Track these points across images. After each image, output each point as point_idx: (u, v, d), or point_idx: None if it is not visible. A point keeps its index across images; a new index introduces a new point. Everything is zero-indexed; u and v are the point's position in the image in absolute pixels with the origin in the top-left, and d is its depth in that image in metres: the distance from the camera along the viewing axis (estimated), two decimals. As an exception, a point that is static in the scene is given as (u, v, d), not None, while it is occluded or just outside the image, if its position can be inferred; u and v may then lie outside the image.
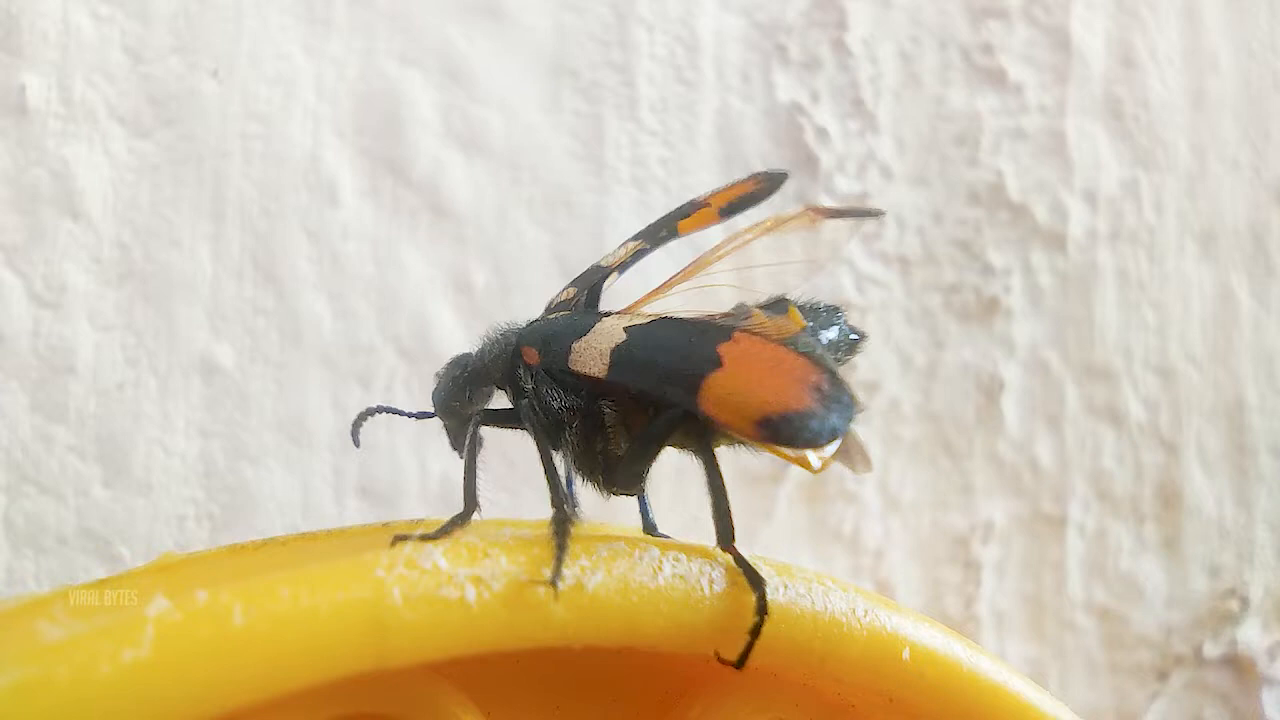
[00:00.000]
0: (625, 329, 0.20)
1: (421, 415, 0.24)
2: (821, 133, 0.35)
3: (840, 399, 0.18)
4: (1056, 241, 0.37)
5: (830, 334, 0.21)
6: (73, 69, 0.30)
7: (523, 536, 0.18)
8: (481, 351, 0.23)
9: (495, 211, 0.33)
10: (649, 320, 0.21)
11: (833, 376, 0.18)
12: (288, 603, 0.15)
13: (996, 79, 0.37)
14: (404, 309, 0.32)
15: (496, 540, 0.17)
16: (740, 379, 0.18)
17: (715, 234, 0.34)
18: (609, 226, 0.34)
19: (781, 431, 0.17)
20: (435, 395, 0.23)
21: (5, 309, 0.29)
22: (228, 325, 0.31)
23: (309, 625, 0.15)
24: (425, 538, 0.18)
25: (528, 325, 0.22)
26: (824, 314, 0.21)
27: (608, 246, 0.34)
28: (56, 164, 0.30)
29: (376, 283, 0.32)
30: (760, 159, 0.35)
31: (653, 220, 0.25)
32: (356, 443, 0.23)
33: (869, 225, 0.36)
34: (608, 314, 0.21)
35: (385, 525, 0.21)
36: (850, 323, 0.22)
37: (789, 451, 0.18)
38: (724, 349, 0.19)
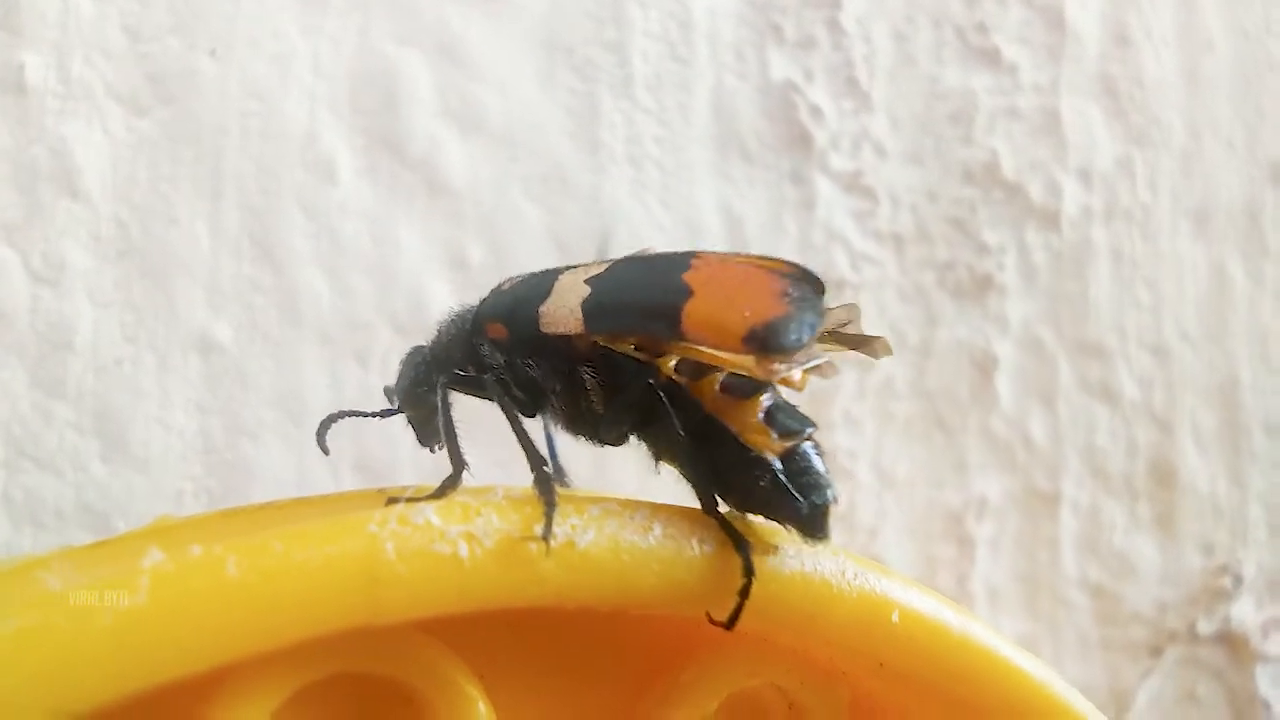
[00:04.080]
0: (586, 281, 0.20)
1: (385, 413, 0.24)
2: (816, 111, 0.35)
3: (807, 297, 0.19)
4: (1051, 220, 0.37)
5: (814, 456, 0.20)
6: (71, 48, 0.30)
7: (515, 497, 0.18)
8: (437, 338, 0.23)
9: (491, 189, 0.33)
10: (604, 267, 0.21)
11: (793, 279, 0.19)
12: (281, 556, 0.15)
13: (991, 58, 0.37)
14: (400, 286, 0.32)
15: (489, 499, 0.18)
16: (715, 301, 0.19)
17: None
18: (604, 203, 0.34)
19: (769, 340, 0.18)
20: (398, 388, 0.23)
21: (5, 286, 0.30)
22: (226, 302, 0.31)
23: (302, 578, 0.15)
24: (418, 499, 0.18)
25: (482, 302, 0.23)
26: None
27: (603, 223, 0.34)
28: (55, 142, 0.30)
29: (373, 260, 0.32)
30: (755, 137, 0.35)
31: (666, 247, 0.25)
32: (325, 450, 0.23)
33: (864, 203, 0.36)
34: (559, 271, 0.22)
35: (380, 491, 0.21)
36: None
37: (776, 366, 0.18)
38: (689, 277, 0.19)
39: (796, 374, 0.19)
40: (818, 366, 0.19)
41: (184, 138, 0.31)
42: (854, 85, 0.36)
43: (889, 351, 0.21)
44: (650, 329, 0.20)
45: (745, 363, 0.19)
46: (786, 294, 0.19)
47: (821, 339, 0.22)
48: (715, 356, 0.19)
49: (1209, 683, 0.37)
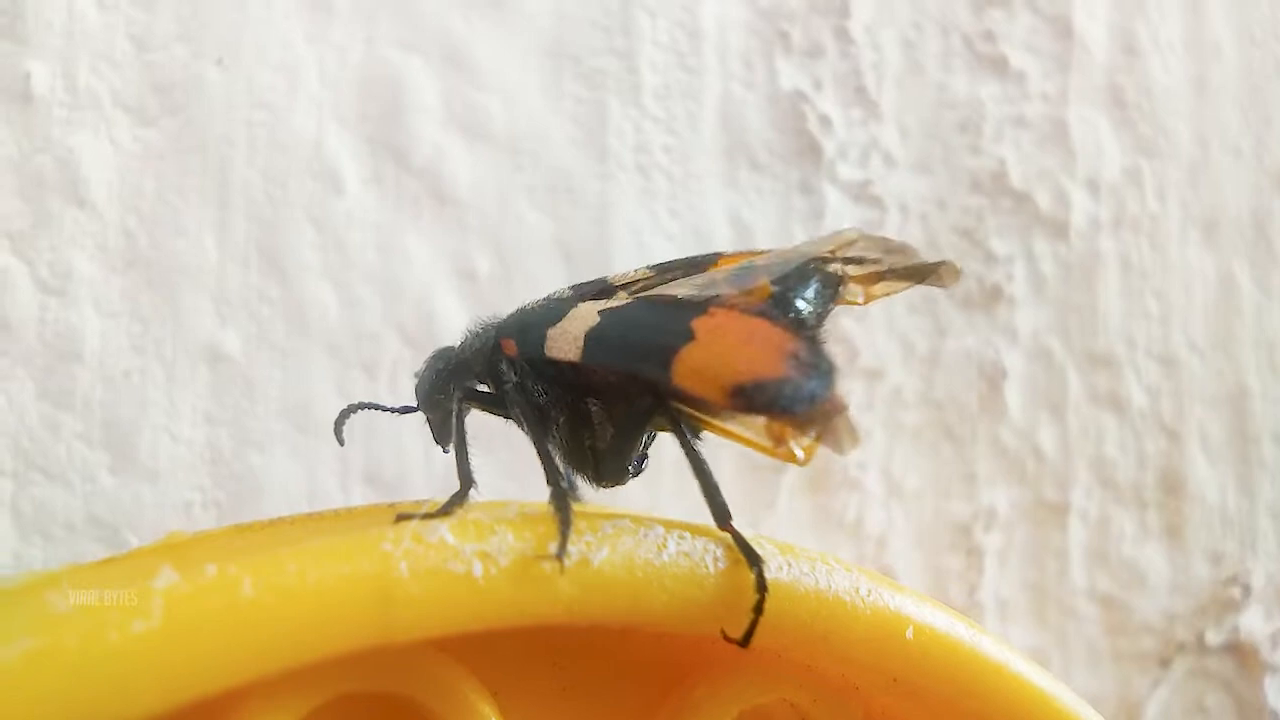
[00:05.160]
0: (599, 312, 0.20)
1: (405, 410, 0.24)
2: (824, 120, 0.35)
3: (818, 365, 0.17)
4: (1059, 229, 0.37)
5: (807, 291, 0.20)
6: (78, 57, 0.30)
7: (530, 514, 0.18)
8: (463, 345, 0.23)
9: (498, 198, 0.33)
10: (624, 303, 0.20)
11: (809, 344, 0.18)
12: (296, 576, 0.15)
13: (999, 66, 0.37)
14: (408, 296, 0.32)
15: (503, 517, 0.17)
16: (713, 350, 0.18)
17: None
18: (612, 213, 0.34)
19: (756, 399, 0.17)
20: (418, 389, 0.23)
21: (12, 296, 0.30)
22: (233, 312, 0.31)
23: (317, 598, 0.15)
24: (428, 515, 0.18)
25: (507, 317, 0.22)
26: (795, 272, 0.20)
27: (611, 233, 0.34)
28: (62, 151, 0.30)
29: (380, 270, 0.32)
30: (763, 146, 0.35)
31: (674, 256, 0.24)
32: (340, 440, 0.23)
33: (872, 213, 0.36)
34: (584, 300, 0.21)
35: (391, 506, 0.21)
36: (825, 270, 0.20)
37: (766, 442, 0.18)
38: (697, 323, 0.18)
39: (799, 450, 0.18)
40: (831, 438, 0.17)
41: (191, 147, 0.31)
42: (862, 94, 0.36)
43: (956, 276, 0.20)
44: (641, 369, 0.19)
45: (730, 415, 0.18)
46: (795, 356, 0.17)
47: (884, 278, 0.20)
48: (709, 423, 0.18)
49: (1218, 693, 0.37)
